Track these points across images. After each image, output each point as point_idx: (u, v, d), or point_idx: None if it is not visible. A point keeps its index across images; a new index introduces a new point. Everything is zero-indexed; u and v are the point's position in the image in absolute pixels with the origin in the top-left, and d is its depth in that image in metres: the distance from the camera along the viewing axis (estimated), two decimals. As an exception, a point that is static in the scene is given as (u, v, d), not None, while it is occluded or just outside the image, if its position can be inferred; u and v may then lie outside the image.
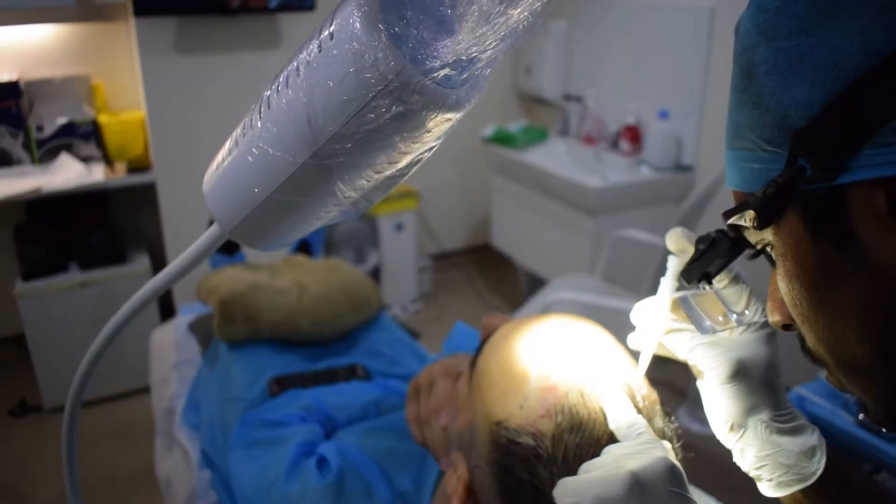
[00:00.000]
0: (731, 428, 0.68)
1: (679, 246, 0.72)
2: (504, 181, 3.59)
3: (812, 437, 0.67)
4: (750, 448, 0.67)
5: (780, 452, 0.66)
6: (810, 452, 0.66)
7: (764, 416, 0.67)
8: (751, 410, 0.67)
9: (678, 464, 0.61)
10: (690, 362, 0.71)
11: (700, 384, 0.71)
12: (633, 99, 3.36)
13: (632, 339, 0.76)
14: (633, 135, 3.29)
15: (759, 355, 0.68)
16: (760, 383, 0.67)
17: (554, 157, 3.48)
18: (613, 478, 0.58)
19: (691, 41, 3.01)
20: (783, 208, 0.50)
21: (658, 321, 0.72)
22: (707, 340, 0.68)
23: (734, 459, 0.70)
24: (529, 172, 3.30)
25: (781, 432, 0.66)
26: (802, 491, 0.66)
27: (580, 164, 3.46)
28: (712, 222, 3.02)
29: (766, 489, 0.68)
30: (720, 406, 0.68)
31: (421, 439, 0.95)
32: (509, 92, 4.14)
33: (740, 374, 0.67)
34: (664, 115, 3.10)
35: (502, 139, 3.53)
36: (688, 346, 0.70)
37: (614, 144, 3.41)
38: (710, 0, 2.90)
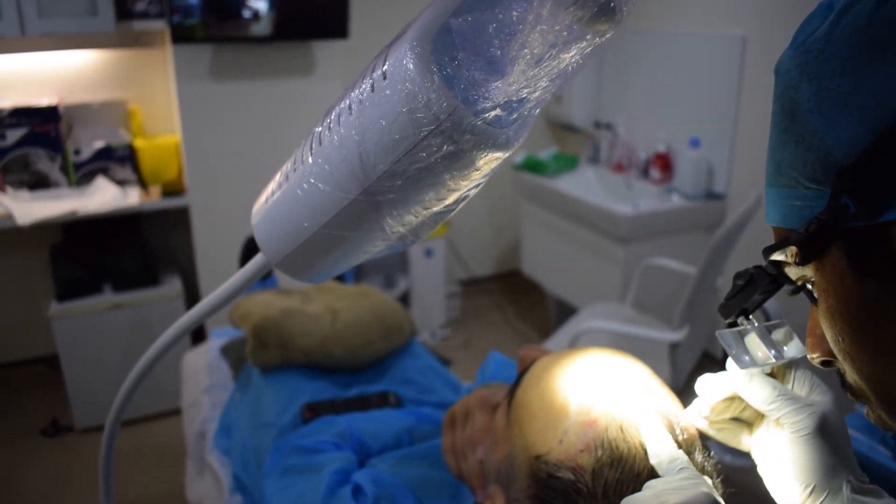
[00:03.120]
0: (812, 492, 0.64)
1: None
2: (534, 208, 3.59)
3: (891, 501, 0.64)
4: None
5: None
6: None
7: (849, 475, 0.64)
8: (834, 469, 0.64)
9: (721, 499, 0.60)
10: (773, 415, 0.67)
11: (774, 440, 0.68)
12: (663, 126, 3.36)
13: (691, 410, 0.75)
14: (664, 162, 3.28)
15: (838, 415, 0.66)
16: (844, 442, 0.65)
17: (584, 185, 3.48)
18: None
19: (723, 69, 3.00)
20: (826, 245, 0.50)
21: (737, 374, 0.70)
22: (787, 394, 0.66)
23: None
24: (559, 200, 3.30)
25: (865, 492, 0.64)
26: None
27: (610, 192, 3.45)
28: (745, 251, 2.99)
29: None
30: (801, 463, 0.64)
31: (457, 470, 0.95)
32: (540, 119, 4.15)
33: (826, 429, 0.64)
34: (695, 142, 3.10)
35: (532, 166, 3.53)
36: (769, 397, 0.67)
37: (645, 172, 3.40)
38: (741, 28, 2.90)
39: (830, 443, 0.64)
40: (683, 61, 3.24)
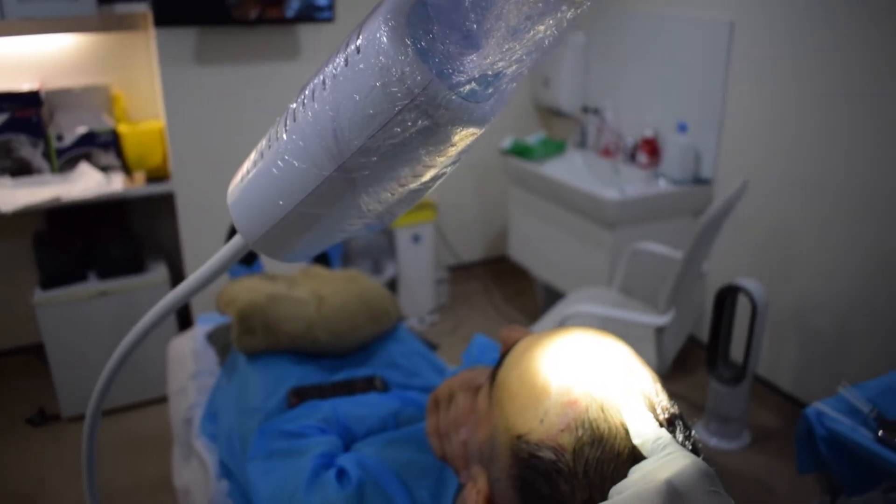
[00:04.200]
0: None
1: None
2: (521, 193, 3.59)
3: None
4: None
5: None
6: None
7: None
8: None
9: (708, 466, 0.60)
10: None
11: None
12: (651, 112, 3.36)
13: None
14: (651, 147, 3.28)
15: None
16: None
17: (571, 170, 3.48)
18: (649, 491, 0.58)
19: (710, 54, 3.00)
20: None
21: None
22: None
23: None
24: (547, 185, 3.30)
25: None
26: None
27: (598, 177, 3.45)
28: (731, 235, 3.01)
29: None
30: None
31: (440, 452, 0.95)
32: (527, 104, 4.14)
33: None
34: (682, 127, 3.10)
35: (520, 151, 3.53)
36: None
37: (632, 157, 3.40)
38: (729, 13, 2.90)
39: None
40: (671, 46, 3.23)
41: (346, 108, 0.49)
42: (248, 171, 0.60)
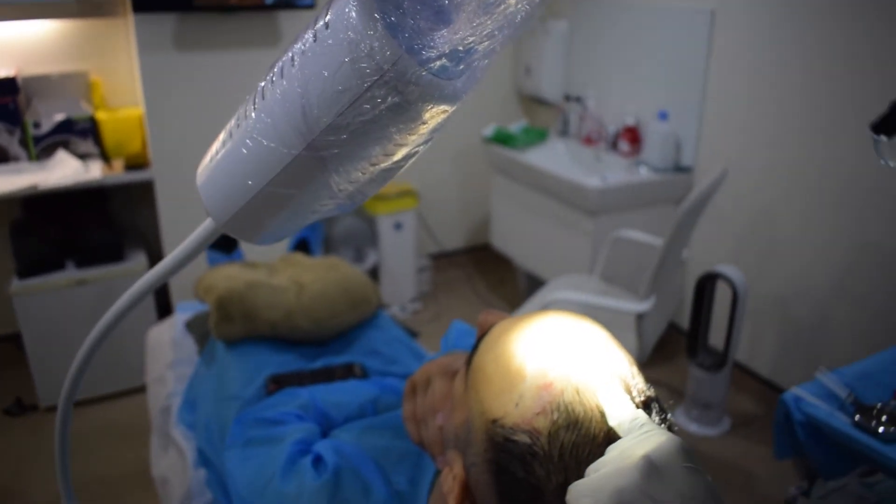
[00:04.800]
0: None
1: None
2: (504, 181, 3.59)
3: None
4: None
5: None
6: None
7: None
8: None
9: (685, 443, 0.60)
10: None
11: None
12: (632, 100, 3.36)
13: None
14: (633, 136, 3.28)
15: None
16: None
17: (554, 158, 3.47)
18: (627, 467, 0.58)
19: (691, 42, 3.00)
20: None
21: None
22: None
23: None
24: (529, 173, 3.30)
25: None
26: None
27: (580, 165, 3.45)
28: (711, 223, 3.01)
29: None
30: None
31: (417, 438, 0.94)
32: (509, 92, 4.13)
33: None
34: (663, 116, 3.10)
35: (502, 139, 3.52)
36: None
37: (614, 145, 3.41)
38: (710, 1, 2.90)
39: None
40: (653, 35, 3.23)
41: (315, 84, 0.48)
42: (217, 152, 0.59)
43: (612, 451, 0.63)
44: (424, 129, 0.51)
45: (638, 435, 0.63)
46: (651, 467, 0.57)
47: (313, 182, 0.54)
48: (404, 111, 0.48)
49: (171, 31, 2.83)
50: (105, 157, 2.94)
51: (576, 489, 0.60)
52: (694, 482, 0.57)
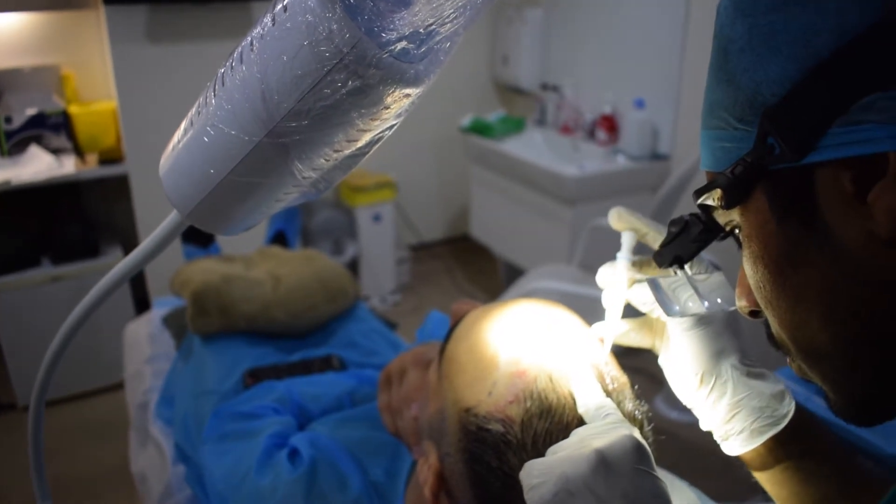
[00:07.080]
0: (702, 379, 0.68)
1: (625, 224, 0.73)
2: (482, 171, 3.58)
3: (779, 383, 0.68)
4: (722, 396, 0.67)
5: (752, 395, 0.67)
6: (780, 395, 0.67)
7: (733, 359, 0.68)
8: (719, 355, 0.68)
9: (645, 443, 0.60)
10: (653, 315, 0.73)
11: (665, 343, 0.72)
12: (609, 88, 3.36)
13: (604, 298, 0.78)
14: (610, 124, 3.28)
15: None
16: (725, 327, 0.69)
17: (531, 147, 3.47)
18: (579, 457, 0.57)
19: (667, 29, 3.00)
20: (751, 188, 0.49)
21: (619, 284, 0.75)
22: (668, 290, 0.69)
23: (702, 422, 0.70)
24: (507, 162, 3.29)
25: (752, 375, 0.68)
26: (770, 445, 0.66)
27: (557, 154, 3.45)
28: (688, 210, 3.02)
29: (737, 443, 0.67)
30: (687, 356, 0.69)
31: (393, 429, 0.94)
32: (486, 82, 4.12)
33: (704, 319, 0.68)
34: (640, 103, 3.10)
35: (480, 129, 3.51)
36: (650, 299, 0.70)
37: (591, 134, 3.40)
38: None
39: (710, 331, 0.68)
40: (629, 21, 3.23)
41: (274, 69, 0.48)
42: (178, 141, 0.58)
43: (574, 436, 0.63)
44: (387, 114, 0.50)
45: (600, 424, 0.63)
46: (601, 462, 0.57)
47: (276, 170, 0.53)
48: (365, 95, 0.47)
49: (143, 22, 2.79)
50: (78, 151, 2.91)
51: (529, 467, 0.60)
52: (641, 484, 0.57)
